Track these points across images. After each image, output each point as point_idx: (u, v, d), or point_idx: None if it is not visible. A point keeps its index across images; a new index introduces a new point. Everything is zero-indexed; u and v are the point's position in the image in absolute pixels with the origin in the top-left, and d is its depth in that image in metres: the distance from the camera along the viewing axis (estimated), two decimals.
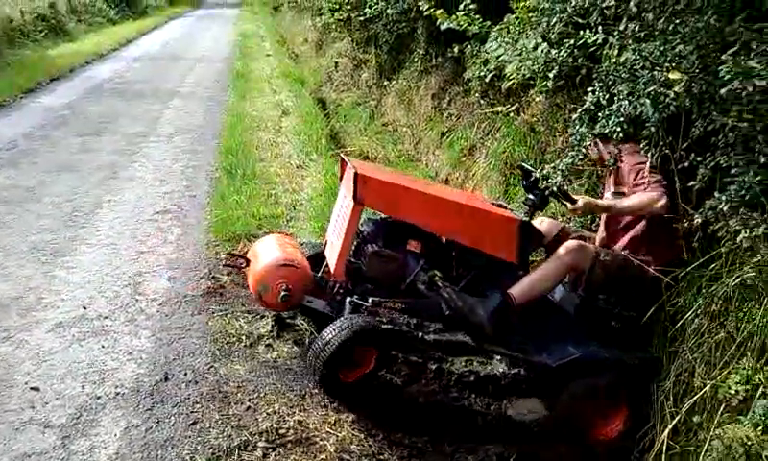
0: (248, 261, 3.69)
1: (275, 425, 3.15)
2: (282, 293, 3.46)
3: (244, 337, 3.87)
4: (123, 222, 5.53)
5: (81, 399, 3.26)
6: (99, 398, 3.28)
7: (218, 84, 12.49)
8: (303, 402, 3.38)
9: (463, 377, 4.03)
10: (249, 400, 3.32)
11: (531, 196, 3.69)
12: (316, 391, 3.49)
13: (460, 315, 3.55)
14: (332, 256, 3.66)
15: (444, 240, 3.72)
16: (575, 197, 3.62)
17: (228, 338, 3.86)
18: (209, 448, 2.98)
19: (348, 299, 3.57)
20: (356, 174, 3.46)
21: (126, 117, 9.52)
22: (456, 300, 3.56)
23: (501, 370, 4.08)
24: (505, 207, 3.84)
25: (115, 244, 5.06)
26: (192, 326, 3.97)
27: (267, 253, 3.63)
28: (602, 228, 3.88)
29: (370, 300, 3.55)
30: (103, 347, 3.71)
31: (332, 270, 3.63)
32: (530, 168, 3.74)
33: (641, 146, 3.44)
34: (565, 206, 3.70)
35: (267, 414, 3.23)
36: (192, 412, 3.21)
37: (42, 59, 14.00)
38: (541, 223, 3.93)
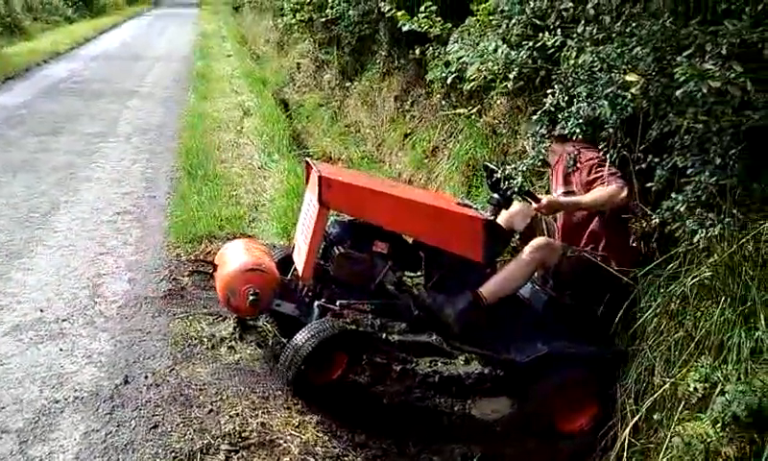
0: (215, 266, 3.68)
1: (237, 428, 3.12)
2: (250, 297, 3.45)
3: (206, 339, 3.83)
4: (81, 223, 5.43)
5: (39, 403, 3.20)
6: (57, 402, 3.21)
7: (178, 84, 12.36)
8: (267, 404, 3.36)
9: (427, 378, 4.05)
10: (211, 403, 3.28)
11: (496, 195, 3.71)
12: (279, 393, 3.47)
13: (429, 315, 3.57)
14: (300, 260, 3.65)
15: (412, 241, 3.74)
16: (539, 196, 3.67)
17: (189, 340, 3.82)
18: (171, 453, 2.93)
19: (317, 302, 3.57)
20: (320, 177, 3.46)
21: (84, 117, 9.37)
22: (425, 300, 3.57)
23: (464, 370, 4.11)
24: (471, 207, 3.86)
25: (73, 245, 4.97)
26: (153, 328, 3.91)
27: (234, 257, 3.61)
28: (558, 227, 3.94)
29: (338, 303, 3.55)
30: (61, 350, 3.64)
31: (300, 273, 3.62)
32: (494, 167, 3.78)
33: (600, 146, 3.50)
34: (530, 204, 3.74)
35: (230, 416, 3.19)
36: (153, 416, 3.16)
37: None
38: (513, 215, 3.94)
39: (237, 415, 3.22)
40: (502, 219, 3.85)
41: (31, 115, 9.32)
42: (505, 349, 3.62)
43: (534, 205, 3.64)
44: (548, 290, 3.75)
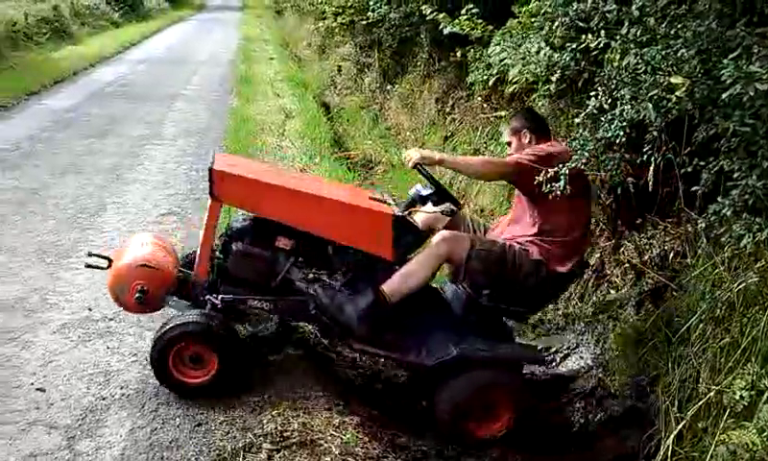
0: (110, 261, 3.55)
1: (279, 428, 3.15)
2: (137, 294, 3.37)
3: (248, 339, 3.87)
4: (128, 224, 5.55)
5: (86, 400, 3.28)
6: (104, 399, 3.30)
7: (221, 88, 12.53)
8: (307, 405, 3.38)
9: None
10: (253, 403, 3.33)
11: (412, 191, 3.56)
12: (320, 394, 3.50)
13: (328, 314, 3.41)
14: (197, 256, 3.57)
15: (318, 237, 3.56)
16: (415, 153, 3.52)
17: None
18: (214, 450, 2.98)
19: (207, 297, 3.44)
20: (211, 170, 3.36)
21: (130, 120, 9.56)
22: (323, 297, 3.42)
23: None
24: (386, 202, 3.65)
25: (120, 246, 5.06)
26: None
27: (127, 253, 3.52)
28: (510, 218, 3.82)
29: (219, 298, 3.41)
30: (108, 348, 3.73)
31: (195, 269, 3.53)
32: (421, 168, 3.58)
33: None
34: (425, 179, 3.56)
35: (271, 416, 3.23)
36: (197, 413, 3.23)
37: (46, 61, 14.07)
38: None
39: (279, 414, 3.25)
40: (425, 218, 3.68)
41: (78, 118, 9.54)
42: (416, 351, 3.47)
43: (405, 156, 3.52)
44: (464, 288, 3.56)
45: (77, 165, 7.16)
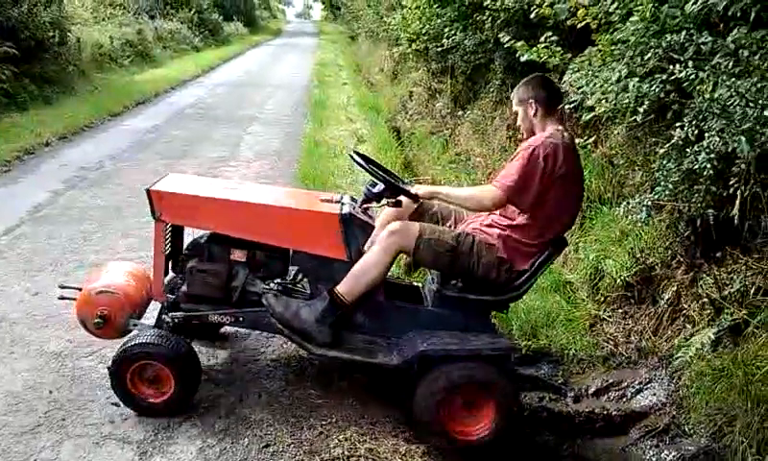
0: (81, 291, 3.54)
1: (346, 452, 3.13)
2: (95, 319, 3.35)
3: (317, 362, 3.88)
4: None
5: (159, 417, 3.33)
6: (176, 416, 3.34)
7: (296, 111, 12.75)
8: (374, 430, 3.36)
9: (536, 413, 3.96)
10: (321, 426, 3.32)
11: (365, 189, 3.46)
12: (387, 419, 3.48)
13: (283, 322, 3.34)
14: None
15: (271, 245, 3.53)
16: (409, 188, 3.42)
17: (301, 362, 3.89)
18: None
19: (164, 316, 3.45)
20: (148, 191, 3.38)
21: (207, 141, 9.81)
22: (276, 307, 3.35)
23: (574, 408, 3.98)
24: (339, 202, 3.56)
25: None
26: (267, 348, 4.02)
27: (89, 281, 3.53)
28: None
29: (170, 315, 3.41)
30: None
31: (151, 291, 3.53)
32: (358, 160, 3.52)
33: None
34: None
35: (339, 441, 3.22)
36: (265, 434, 3.24)
37: (129, 83, 14.62)
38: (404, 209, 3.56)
39: (346, 439, 3.23)
40: (392, 212, 3.53)
41: (158, 139, 9.84)
42: (385, 352, 3.34)
43: (409, 197, 3.38)
44: (433, 281, 3.44)
45: None
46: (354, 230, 3.43)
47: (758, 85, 2.73)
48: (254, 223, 3.45)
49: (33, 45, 11.80)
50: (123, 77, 15.46)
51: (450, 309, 3.42)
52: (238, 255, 3.50)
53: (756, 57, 2.89)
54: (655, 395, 4.07)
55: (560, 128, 3.35)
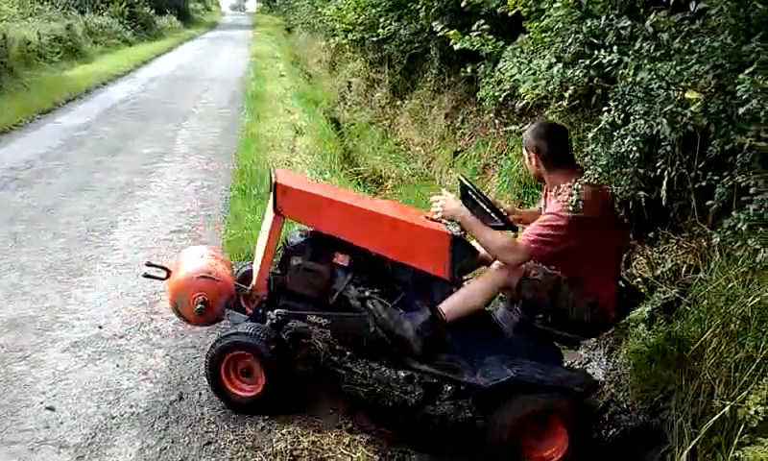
0: (168, 272, 3.52)
1: (289, 446, 3.12)
2: (198, 306, 3.34)
3: None
4: (139, 241, 5.55)
5: (96, 418, 3.26)
6: (114, 417, 3.28)
7: (232, 105, 12.58)
8: (318, 423, 3.36)
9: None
10: (263, 420, 3.30)
11: (475, 206, 3.54)
12: (331, 412, 3.48)
13: (386, 330, 3.39)
14: (255, 269, 3.56)
15: (375, 254, 3.55)
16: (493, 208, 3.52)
17: None
18: None
19: (269, 313, 3.46)
20: (275, 183, 3.38)
21: (141, 137, 9.61)
22: (382, 313, 3.40)
23: None
24: (440, 221, 3.61)
25: (131, 263, 5.07)
26: (206, 345, 3.94)
27: (186, 264, 3.50)
28: None
29: (275, 313, 3.43)
30: (118, 366, 3.71)
31: (253, 283, 3.53)
32: (467, 183, 3.62)
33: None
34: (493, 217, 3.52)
35: (281, 435, 3.20)
36: (206, 432, 3.20)
37: (59, 80, 14.20)
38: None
39: (289, 433, 3.22)
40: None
41: (90, 136, 9.60)
42: (471, 371, 3.43)
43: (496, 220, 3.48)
44: (518, 312, 3.54)
45: (89, 183, 7.19)
46: (462, 252, 3.46)
47: (677, 68, 2.81)
48: (374, 231, 3.45)
49: None
50: (53, 73, 14.99)
51: (530, 339, 3.50)
52: (341, 259, 3.50)
53: (676, 40, 2.97)
54: (593, 374, 4.17)
55: (569, 183, 3.29)
